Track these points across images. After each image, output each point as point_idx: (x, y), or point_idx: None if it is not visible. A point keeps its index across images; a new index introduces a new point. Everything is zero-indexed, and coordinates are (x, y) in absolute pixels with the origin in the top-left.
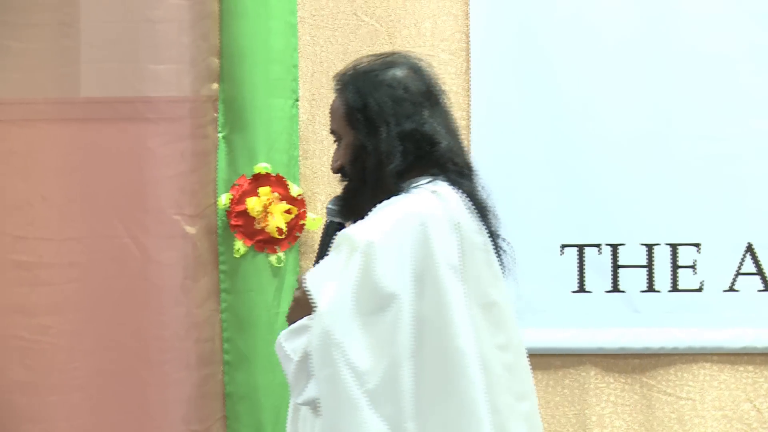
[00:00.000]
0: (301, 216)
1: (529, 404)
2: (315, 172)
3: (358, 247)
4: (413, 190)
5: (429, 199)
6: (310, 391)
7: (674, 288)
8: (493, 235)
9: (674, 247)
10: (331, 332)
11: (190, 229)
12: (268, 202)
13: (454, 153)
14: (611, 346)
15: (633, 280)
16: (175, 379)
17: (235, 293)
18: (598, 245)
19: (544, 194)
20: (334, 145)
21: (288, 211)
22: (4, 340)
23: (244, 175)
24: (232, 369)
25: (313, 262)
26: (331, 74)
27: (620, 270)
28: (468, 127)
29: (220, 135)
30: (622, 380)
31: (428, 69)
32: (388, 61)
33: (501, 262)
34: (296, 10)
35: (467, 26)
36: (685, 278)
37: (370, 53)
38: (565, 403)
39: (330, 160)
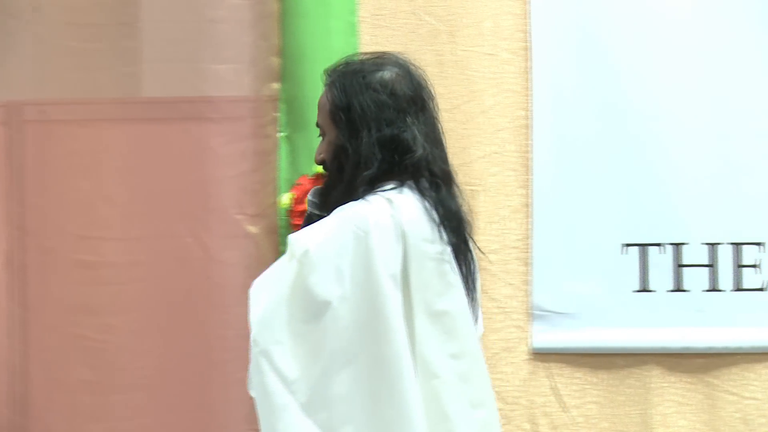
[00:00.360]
0: None
1: (486, 412)
2: None
3: (295, 254)
4: (369, 197)
5: (379, 207)
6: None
7: (737, 287)
8: (462, 245)
9: (737, 246)
10: (258, 341)
11: (252, 229)
12: None
13: (430, 162)
14: (674, 346)
15: (696, 279)
16: (237, 378)
17: None
18: (660, 244)
19: (606, 193)
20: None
21: None
22: (69, 339)
23: (305, 175)
24: None
25: None
26: None
27: (683, 269)
28: (529, 126)
29: (281, 134)
30: (686, 380)
31: (418, 73)
32: (379, 62)
33: (468, 271)
34: (356, 10)
35: (528, 25)
36: (749, 277)
37: (430, 51)
38: (628, 402)
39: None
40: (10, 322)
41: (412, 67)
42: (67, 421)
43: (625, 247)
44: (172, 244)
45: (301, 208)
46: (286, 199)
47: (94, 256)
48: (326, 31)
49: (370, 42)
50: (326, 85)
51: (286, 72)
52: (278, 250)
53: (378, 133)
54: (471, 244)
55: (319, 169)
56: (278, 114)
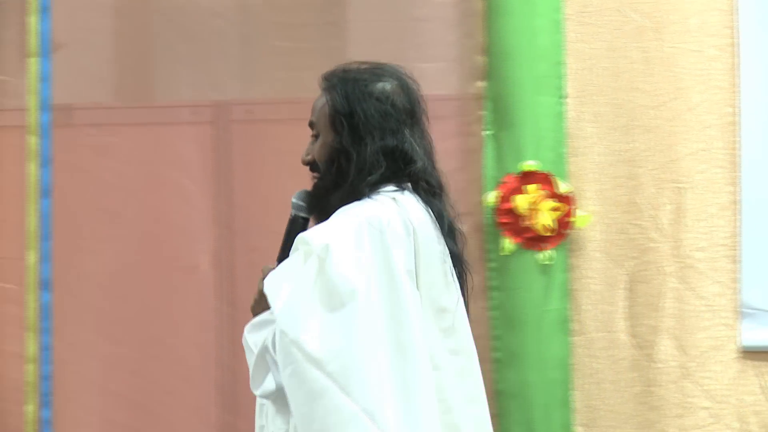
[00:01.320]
0: (569, 213)
1: (480, 409)
2: (583, 169)
3: (314, 250)
4: (375, 196)
5: (387, 205)
6: (268, 384)
7: None
8: (457, 257)
9: None
10: (285, 332)
11: (459, 227)
12: (535, 200)
13: (427, 173)
14: None
15: None
16: None
17: (504, 291)
18: None
19: None
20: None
21: (555, 209)
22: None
23: (512, 173)
24: (502, 366)
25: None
26: (597, 72)
27: None
28: (736, 123)
29: (487, 133)
30: None
31: (414, 86)
32: (378, 72)
33: (461, 278)
34: (562, 7)
35: (735, 21)
36: None
37: (636, 48)
38: None
39: (596, 156)
40: (219, 321)
41: (409, 80)
42: None
43: None
44: None
45: (507, 206)
46: (491, 197)
47: None
48: (531, 29)
49: (575, 39)
50: (324, 89)
51: (491, 70)
52: (483, 248)
53: (381, 141)
54: (463, 253)
55: (527, 167)
56: (483, 112)
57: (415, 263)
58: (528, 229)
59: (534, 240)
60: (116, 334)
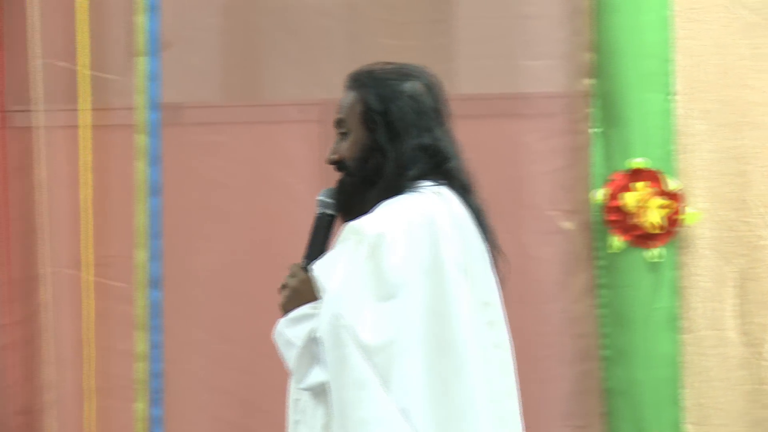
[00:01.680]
0: (678, 211)
1: (515, 403)
2: (692, 167)
3: (366, 238)
4: (418, 190)
5: (433, 199)
6: (315, 377)
7: None
8: (492, 246)
9: None
10: (341, 315)
11: (567, 225)
12: (644, 197)
13: (461, 171)
14: None
15: None
16: (553, 374)
17: (612, 288)
18: None
19: None
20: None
21: (664, 206)
22: None
23: (620, 171)
24: (610, 365)
25: (319, 255)
26: (706, 68)
27: None
28: None
29: (595, 130)
30: None
31: (440, 86)
32: (405, 71)
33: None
34: (669, 4)
35: None
36: None
37: (745, 44)
38: None
39: (705, 153)
40: None
41: (434, 80)
42: None
43: None
44: None
45: (615, 203)
46: (599, 194)
47: None
48: (639, 26)
49: (683, 36)
50: (351, 88)
51: (599, 67)
52: (591, 246)
53: (418, 139)
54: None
55: (635, 164)
56: (591, 110)
57: (464, 257)
58: (636, 226)
59: (642, 238)
60: (225, 332)
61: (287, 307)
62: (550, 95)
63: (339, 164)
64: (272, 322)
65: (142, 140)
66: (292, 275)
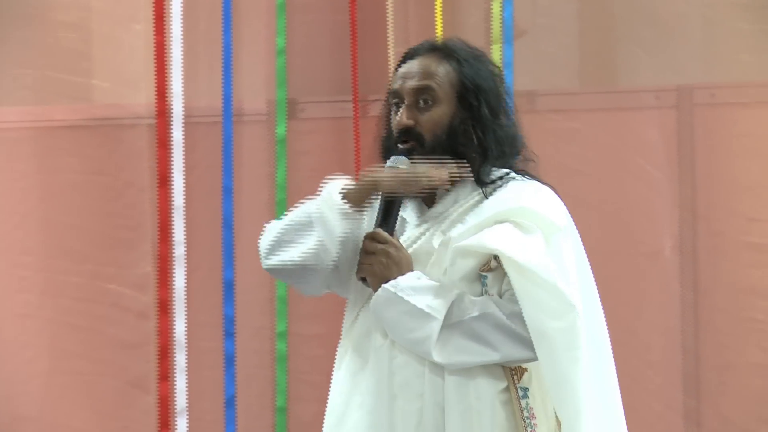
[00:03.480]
0: None
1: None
2: None
3: (560, 228)
4: (524, 176)
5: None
6: (514, 353)
7: None
8: None
9: None
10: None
11: None
12: None
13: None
14: None
15: None
16: None
17: None
18: None
19: None
20: None
21: None
22: (740, 322)
23: None
24: None
25: (392, 225)
26: None
27: None
28: None
29: None
30: None
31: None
32: (483, 53)
33: None
34: None
35: None
36: None
37: None
38: None
39: None
40: (683, 307)
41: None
42: (739, 404)
43: None
44: None
45: None
46: None
47: (764, 238)
48: None
49: None
50: (442, 59)
51: None
52: None
53: (509, 121)
54: None
55: None
56: None
57: None
58: None
59: None
60: None
61: (385, 275)
62: None
63: (411, 133)
64: (627, 310)
65: None
66: (385, 242)
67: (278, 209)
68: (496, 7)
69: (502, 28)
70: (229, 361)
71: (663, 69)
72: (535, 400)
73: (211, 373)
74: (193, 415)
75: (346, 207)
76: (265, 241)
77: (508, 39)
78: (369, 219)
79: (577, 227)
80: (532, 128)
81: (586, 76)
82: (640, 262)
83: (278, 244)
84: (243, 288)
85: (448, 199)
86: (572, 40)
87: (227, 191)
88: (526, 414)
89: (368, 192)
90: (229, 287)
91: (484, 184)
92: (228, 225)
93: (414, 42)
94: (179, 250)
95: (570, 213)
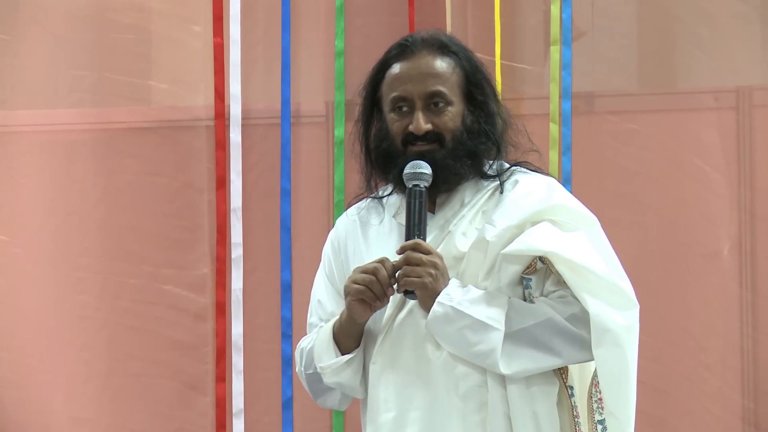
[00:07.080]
0: None
1: None
2: None
3: (596, 222)
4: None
5: None
6: (576, 356)
7: None
8: None
9: None
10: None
11: None
12: None
13: None
14: None
15: None
16: None
17: None
18: None
19: None
20: None
21: None
22: None
23: None
24: None
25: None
26: None
27: None
28: None
29: None
30: None
31: None
32: (463, 44)
33: None
34: None
35: None
36: None
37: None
38: None
39: None
40: (741, 308)
41: None
42: None
43: None
44: None
45: None
46: None
47: None
48: None
49: None
50: (443, 54)
51: None
52: None
53: (505, 110)
54: None
55: None
56: None
57: None
58: None
59: None
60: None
61: (436, 288)
62: None
63: (429, 136)
64: (684, 312)
65: (555, 129)
66: (428, 252)
67: (336, 211)
68: (554, 9)
69: (561, 29)
70: (287, 362)
71: (722, 70)
72: (578, 397)
73: (269, 375)
74: (249, 417)
75: (344, 360)
76: (300, 374)
77: (566, 41)
78: (376, 233)
79: (635, 228)
80: (590, 130)
81: (645, 77)
82: (698, 264)
83: (315, 395)
84: (300, 290)
85: (454, 201)
86: (631, 42)
87: (285, 193)
88: (574, 413)
89: (355, 326)
90: (286, 289)
91: (489, 177)
92: (285, 227)
93: (473, 44)
94: (237, 251)
95: (629, 214)
